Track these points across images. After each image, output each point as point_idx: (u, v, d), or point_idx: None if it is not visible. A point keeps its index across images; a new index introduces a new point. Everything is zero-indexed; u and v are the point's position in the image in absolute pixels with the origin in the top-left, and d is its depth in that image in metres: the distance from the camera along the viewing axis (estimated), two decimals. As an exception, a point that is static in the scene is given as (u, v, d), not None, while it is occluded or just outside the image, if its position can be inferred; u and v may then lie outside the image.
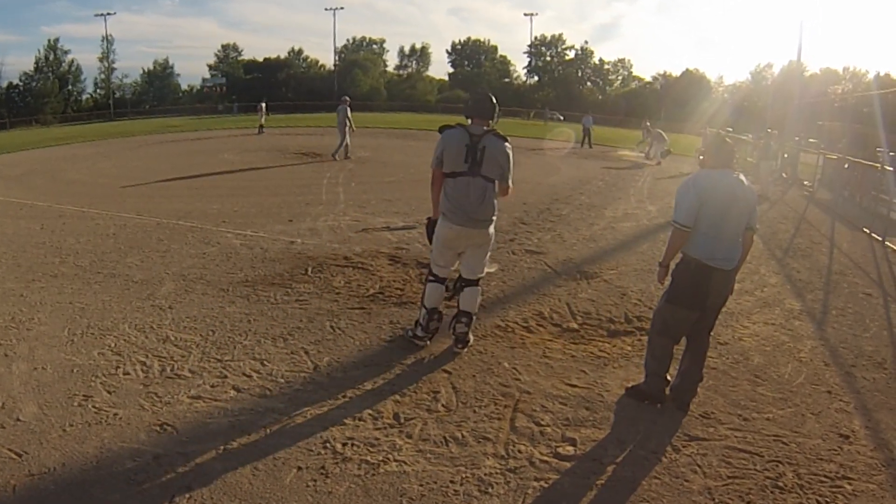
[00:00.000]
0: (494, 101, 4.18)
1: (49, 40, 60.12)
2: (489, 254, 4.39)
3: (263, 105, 28.54)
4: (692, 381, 3.62)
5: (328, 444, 3.21)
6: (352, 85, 58.01)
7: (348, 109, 15.98)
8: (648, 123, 22.51)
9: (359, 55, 65.51)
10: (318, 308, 5.19)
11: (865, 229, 9.37)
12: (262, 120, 27.72)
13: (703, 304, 3.47)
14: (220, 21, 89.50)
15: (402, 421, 3.47)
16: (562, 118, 48.02)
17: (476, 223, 4.10)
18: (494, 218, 4.20)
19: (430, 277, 4.35)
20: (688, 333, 3.63)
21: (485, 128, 4.10)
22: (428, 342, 4.42)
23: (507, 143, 4.14)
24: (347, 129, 16.20)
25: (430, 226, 4.35)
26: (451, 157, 4.05)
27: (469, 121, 4.15)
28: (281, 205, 10.05)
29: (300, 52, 67.33)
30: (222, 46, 67.16)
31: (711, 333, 3.74)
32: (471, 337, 4.43)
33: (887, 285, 6.85)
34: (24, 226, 8.52)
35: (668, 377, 3.70)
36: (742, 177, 3.51)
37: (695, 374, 3.62)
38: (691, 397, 3.63)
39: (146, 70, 64.01)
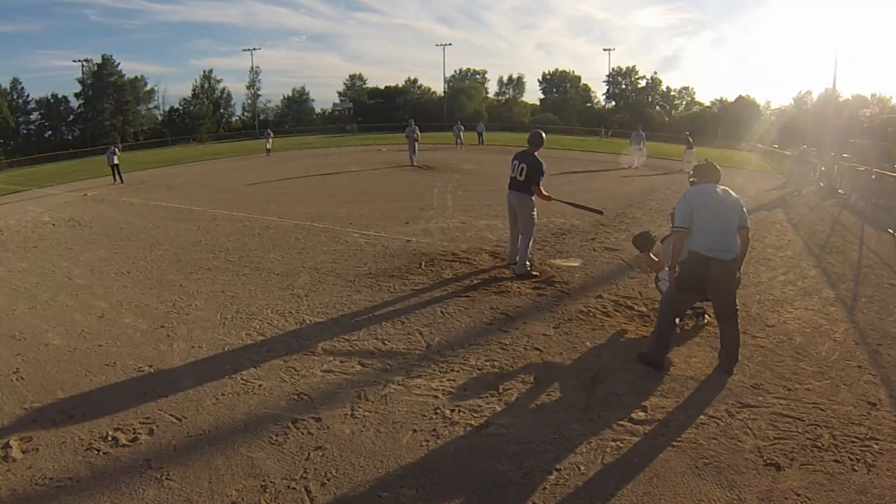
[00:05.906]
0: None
1: (204, 71, 66.94)
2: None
3: (270, 131, 29.66)
4: (729, 351, 4.13)
5: (439, 411, 3.49)
6: (458, 109, 60.40)
7: (417, 128, 20.03)
8: (643, 132, 21.14)
9: (464, 83, 69.50)
10: (430, 296, 5.54)
11: (890, 230, 9.99)
12: (269, 144, 27.92)
13: (704, 289, 4.06)
14: (342, 55, 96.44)
15: (501, 391, 3.74)
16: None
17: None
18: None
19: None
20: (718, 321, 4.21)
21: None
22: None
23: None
24: (416, 142, 19.90)
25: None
26: None
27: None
28: (399, 209, 10.49)
29: (415, 80, 71.71)
30: (350, 76, 71.72)
31: (739, 319, 4.18)
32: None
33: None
34: (183, 227, 9.42)
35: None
36: (727, 188, 4.21)
37: (729, 348, 4.12)
38: (732, 364, 4.12)
39: (286, 96, 69.41)
